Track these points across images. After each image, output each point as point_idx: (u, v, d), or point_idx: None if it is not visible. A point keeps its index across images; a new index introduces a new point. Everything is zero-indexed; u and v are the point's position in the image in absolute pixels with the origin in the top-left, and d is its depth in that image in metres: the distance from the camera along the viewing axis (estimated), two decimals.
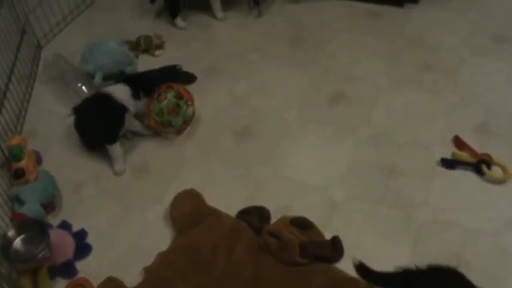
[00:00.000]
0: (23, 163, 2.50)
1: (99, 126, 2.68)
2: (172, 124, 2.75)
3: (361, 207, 2.45)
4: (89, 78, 3.03)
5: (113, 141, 2.68)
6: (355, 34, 3.35)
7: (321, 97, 2.96)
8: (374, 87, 2.99)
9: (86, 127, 2.73)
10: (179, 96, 2.75)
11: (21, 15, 3.27)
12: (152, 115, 2.74)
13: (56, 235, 2.31)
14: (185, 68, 3.13)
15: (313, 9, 3.55)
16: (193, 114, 2.83)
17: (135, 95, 2.73)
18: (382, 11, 3.48)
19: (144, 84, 2.78)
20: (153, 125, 2.77)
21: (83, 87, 2.99)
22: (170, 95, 2.74)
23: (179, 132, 2.82)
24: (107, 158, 2.73)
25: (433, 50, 3.18)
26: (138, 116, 2.83)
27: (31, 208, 2.38)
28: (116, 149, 2.69)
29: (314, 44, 3.29)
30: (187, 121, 2.81)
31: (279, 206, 2.45)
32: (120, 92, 2.71)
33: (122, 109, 2.69)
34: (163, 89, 2.76)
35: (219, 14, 3.50)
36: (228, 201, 2.47)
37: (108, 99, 2.68)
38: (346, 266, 2.21)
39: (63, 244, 2.33)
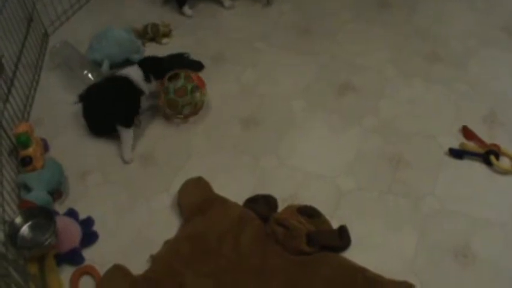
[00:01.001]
0: (30, 150, 2.50)
1: (118, 108, 2.69)
2: (178, 105, 2.76)
3: (368, 197, 2.44)
4: (95, 66, 3.03)
5: (130, 124, 2.69)
6: (363, 24, 3.34)
7: (328, 86, 2.95)
8: (382, 77, 2.98)
9: (101, 109, 2.72)
10: (188, 80, 2.76)
11: (29, 3, 3.25)
12: (162, 94, 2.77)
13: (62, 222, 2.31)
14: (192, 56, 3.12)
15: None
16: (203, 102, 2.83)
17: (147, 78, 2.75)
18: (390, 1, 3.47)
19: (154, 68, 2.79)
20: (162, 104, 2.79)
21: (89, 75, 2.99)
22: (181, 78, 2.76)
23: (186, 116, 2.82)
24: (114, 146, 2.73)
25: (441, 40, 3.17)
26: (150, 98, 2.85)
27: (38, 195, 2.38)
28: (129, 134, 2.70)
29: (322, 33, 3.28)
30: (195, 107, 2.81)
31: (286, 195, 2.45)
32: (135, 74, 2.74)
33: (139, 92, 2.73)
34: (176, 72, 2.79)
35: (227, 2, 3.50)
36: (235, 189, 2.47)
37: (126, 81, 2.71)
38: (353, 255, 2.21)
39: (69, 231, 2.32)
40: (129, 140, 2.70)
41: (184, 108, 2.78)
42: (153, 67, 2.78)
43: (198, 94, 2.79)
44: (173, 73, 2.80)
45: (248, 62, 3.14)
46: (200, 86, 2.79)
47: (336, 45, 3.20)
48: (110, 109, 2.68)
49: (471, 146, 2.58)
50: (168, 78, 2.78)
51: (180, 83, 2.76)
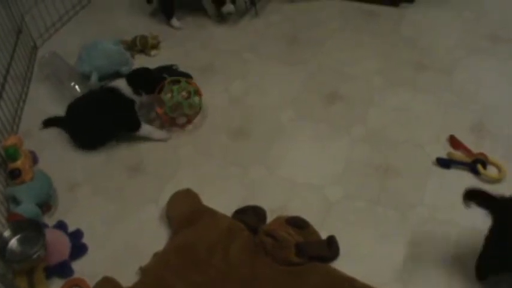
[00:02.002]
0: (18, 163, 2.49)
1: (119, 120, 2.74)
2: (183, 106, 2.78)
3: (356, 207, 2.45)
4: (84, 78, 3.03)
5: (138, 126, 2.76)
6: (351, 33, 3.36)
7: (316, 96, 2.96)
8: (369, 86, 3.00)
9: (99, 122, 2.74)
10: (190, 84, 2.83)
11: (17, 15, 3.26)
12: (159, 102, 2.81)
13: (51, 235, 2.30)
14: (181, 68, 3.13)
15: (309, 9, 3.56)
16: (201, 107, 2.87)
17: (136, 92, 2.76)
18: (377, 11, 3.49)
19: (143, 81, 2.79)
20: (160, 111, 2.80)
21: (76, 87, 3.00)
22: (182, 81, 2.81)
23: (189, 120, 2.85)
24: (102, 157, 2.75)
25: (428, 50, 3.19)
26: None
27: (27, 208, 2.38)
28: (146, 130, 2.78)
29: (309, 43, 3.30)
30: (195, 110, 2.84)
31: (275, 206, 2.45)
32: (124, 87, 2.75)
33: (132, 102, 2.75)
34: (168, 81, 2.82)
35: (214, 18, 3.53)
36: (224, 201, 2.47)
37: (117, 91, 2.73)
38: (341, 265, 2.21)
39: (59, 244, 2.32)
40: (152, 132, 2.80)
41: (188, 109, 2.80)
42: (142, 81, 2.78)
43: (198, 98, 2.83)
44: (174, 79, 2.83)
45: (237, 73, 3.15)
46: (199, 91, 2.82)
47: (323, 55, 3.21)
48: (113, 120, 2.73)
49: (458, 155, 2.59)
50: (170, 82, 2.81)
51: (183, 86, 2.79)
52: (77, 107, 2.79)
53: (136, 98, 2.76)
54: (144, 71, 2.87)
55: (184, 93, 2.80)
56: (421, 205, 2.43)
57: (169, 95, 2.78)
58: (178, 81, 2.81)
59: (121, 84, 2.75)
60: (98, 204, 2.55)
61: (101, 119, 2.73)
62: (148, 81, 2.80)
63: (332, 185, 2.54)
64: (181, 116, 2.83)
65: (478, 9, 3.45)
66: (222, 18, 3.49)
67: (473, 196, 2.10)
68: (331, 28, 3.40)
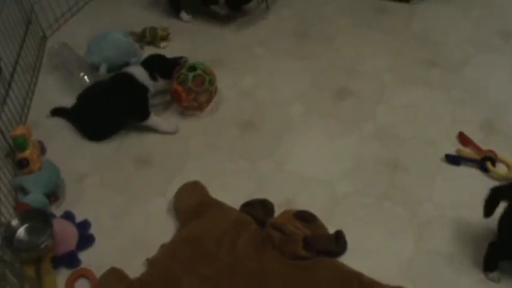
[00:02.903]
0: (27, 153, 2.50)
1: (130, 105, 2.75)
2: (204, 79, 2.81)
3: (365, 202, 2.44)
4: (93, 69, 3.04)
5: (147, 115, 2.76)
6: (361, 29, 3.35)
7: (326, 92, 2.95)
8: (379, 82, 2.99)
9: (108, 111, 2.75)
10: (206, 72, 2.84)
11: (27, 6, 3.26)
12: (174, 81, 2.83)
13: (59, 225, 2.30)
14: (190, 60, 3.11)
15: (320, 4, 3.55)
16: (216, 90, 2.90)
17: (152, 77, 2.78)
18: (388, 7, 3.48)
19: (159, 66, 2.82)
20: (180, 90, 2.79)
21: (85, 77, 3.00)
22: (199, 68, 2.83)
23: (200, 105, 2.86)
24: (111, 148, 2.75)
25: (439, 46, 3.18)
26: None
27: (35, 198, 2.38)
28: (154, 121, 2.78)
29: (320, 39, 3.29)
30: (209, 95, 2.86)
31: (283, 200, 2.45)
32: (140, 73, 2.76)
33: (144, 88, 2.76)
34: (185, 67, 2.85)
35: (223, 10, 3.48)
36: (232, 194, 2.47)
37: (129, 78, 2.74)
38: (349, 260, 2.20)
39: (66, 234, 2.32)
40: (160, 124, 2.80)
41: (209, 85, 2.83)
42: (158, 64, 2.82)
43: (214, 87, 2.86)
44: (190, 64, 2.84)
45: (247, 67, 3.15)
46: (213, 80, 2.87)
47: (334, 50, 3.21)
48: (123, 105, 2.73)
49: (467, 152, 2.59)
50: (187, 68, 2.82)
51: (198, 72, 2.81)
52: (87, 95, 2.81)
53: (150, 85, 2.77)
54: (158, 57, 2.90)
55: (198, 81, 2.82)
56: (430, 202, 2.43)
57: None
58: (195, 68, 2.82)
59: (135, 70, 2.78)
60: (106, 195, 2.55)
61: (111, 105, 2.73)
62: (164, 65, 2.83)
63: (340, 180, 2.53)
64: (203, 93, 2.83)
65: (489, 6, 3.44)
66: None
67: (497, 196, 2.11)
68: (342, 24, 3.40)
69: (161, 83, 2.82)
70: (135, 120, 2.78)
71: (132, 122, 2.79)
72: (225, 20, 3.44)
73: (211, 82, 2.84)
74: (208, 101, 2.88)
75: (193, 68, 2.83)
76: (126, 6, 3.65)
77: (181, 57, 3.12)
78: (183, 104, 2.82)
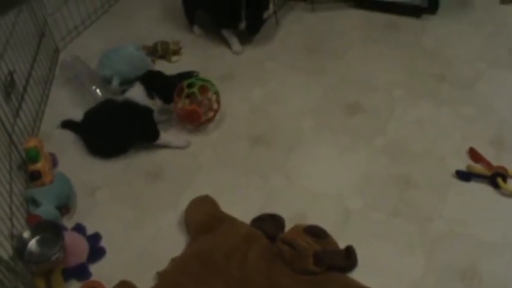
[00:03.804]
0: (39, 165, 2.52)
1: (137, 129, 2.76)
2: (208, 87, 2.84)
3: (375, 218, 2.44)
4: (105, 82, 3.06)
5: (157, 136, 2.77)
6: (372, 44, 3.35)
7: (336, 106, 2.96)
8: (390, 97, 2.99)
9: (119, 133, 2.76)
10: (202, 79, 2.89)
11: (40, 19, 3.29)
12: (176, 101, 2.83)
13: (70, 237, 2.32)
14: (202, 74, 3.14)
15: (330, 19, 3.56)
16: (216, 108, 2.89)
17: (149, 95, 2.76)
18: (399, 22, 3.48)
19: (156, 84, 2.80)
20: (196, 110, 2.80)
21: (97, 90, 3.01)
22: (196, 82, 2.84)
23: (216, 111, 2.88)
24: (122, 162, 2.76)
25: (450, 62, 3.18)
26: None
27: (46, 210, 2.40)
28: (166, 140, 2.80)
29: (331, 54, 3.30)
30: (218, 95, 2.88)
31: (294, 214, 2.45)
32: (138, 95, 2.75)
33: (149, 110, 2.75)
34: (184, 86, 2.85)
35: (236, 46, 3.39)
36: (242, 208, 2.47)
37: (133, 103, 2.73)
38: (359, 276, 2.20)
39: (77, 247, 2.33)
40: (171, 140, 2.81)
41: (212, 102, 2.85)
42: (153, 83, 2.79)
43: (215, 86, 2.89)
44: (188, 83, 2.84)
45: (257, 81, 3.16)
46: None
47: (344, 65, 3.21)
48: (129, 132, 2.75)
49: (478, 168, 2.58)
50: (187, 85, 2.82)
51: (199, 83, 2.83)
52: (92, 118, 2.82)
53: (151, 103, 2.76)
54: (157, 73, 2.90)
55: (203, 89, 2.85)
56: (441, 218, 2.42)
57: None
58: (193, 83, 2.83)
59: (135, 93, 2.76)
60: (117, 209, 2.57)
61: (117, 131, 2.75)
62: (162, 84, 2.82)
63: (351, 196, 2.53)
64: (212, 97, 2.86)
65: (500, 22, 3.43)
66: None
67: None
68: (352, 38, 3.40)
69: (159, 103, 2.81)
70: (145, 142, 2.80)
71: (142, 143, 2.80)
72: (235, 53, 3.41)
73: (212, 83, 2.87)
74: (219, 101, 2.88)
75: (191, 84, 2.83)
76: (138, 20, 3.68)
77: (192, 72, 3.14)
78: (201, 120, 2.84)
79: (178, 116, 2.87)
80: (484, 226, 2.38)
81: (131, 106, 2.73)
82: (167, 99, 2.82)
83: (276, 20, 3.51)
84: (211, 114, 2.86)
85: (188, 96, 2.81)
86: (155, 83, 2.79)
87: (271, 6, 3.28)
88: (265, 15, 3.27)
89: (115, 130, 2.74)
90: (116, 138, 2.77)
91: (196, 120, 2.83)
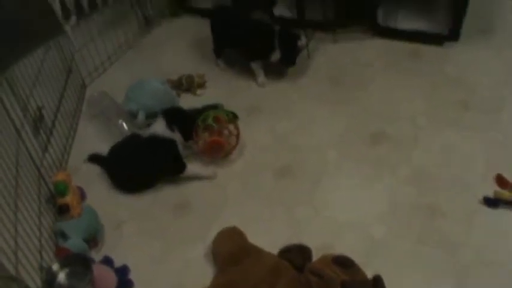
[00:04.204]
0: (67, 199, 2.55)
1: (164, 164, 2.80)
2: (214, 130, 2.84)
3: (402, 246, 2.43)
4: (131, 116, 3.10)
5: (183, 168, 2.80)
6: (394, 73, 3.36)
7: (361, 136, 2.97)
8: (414, 126, 2.99)
9: (146, 167, 2.80)
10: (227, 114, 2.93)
11: (68, 55, 3.36)
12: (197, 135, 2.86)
13: (98, 270, 2.33)
14: (226, 107, 3.16)
15: (353, 49, 3.58)
16: (237, 133, 2.91)
17: (170, 127, 2.79)
18: (421, 50, 3.49)
19: (177, 118, 2.84)
20: (219, 140, 2.83)
21: (124, 124, 3.06)
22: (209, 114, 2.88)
23: (237, 135, 2.91)
24: (148, 195, 2.79)
25: (473, 89, 3.17)
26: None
27: (75, 243, 2.42)
28: (192, 170, 2.82)
29: (354, 84, 3.32)
30: (235, 130, 2.90)
31: (320, 245, 2.44)
32: (161, 129, 2.79)
33: (173, 142, 2.78)
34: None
35: (261, 78, 3.41)
36: (269, 239, 2.47)
37: (157, 138, 2.77)
38: None
39: (105, 279, 2.34)
40: (198, 171, 2.85)
41: (232, 128, 2.89)
42: (175, 118, 2.83)
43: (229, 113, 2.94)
44: (202, 118, 2.87)
45: (282, 112, 3.18)
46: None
47: (367, 96, 3.22)
48: (156, 167, 2.79)
49: (506, 194, 2.56)
50: (201, 120, 2.86)
51: (211, 114, 2.87)
52: (118, 153, 2.88)
53: (175, 137, 2.79)
54: (178, 110, 2.95)
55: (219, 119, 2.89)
56: (468, 246, 2.40)
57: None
58: (206, 117, 2.87)
59: (158, 127, 2.80)
60: (144, 241, 2.59)
61: (143, 166, 2.78)
62: (182, 120, 2.85)
63: (377, 225, 2.53)
64: (230, 123, 2.90)
65: None
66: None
67: None
68: (375, 68, 3.41)
69: (178, 136, 2.83)
70: (173, 175, 2.83)
71: (169, 176, 2.83)
72: (260, 85, 3.43)
73: (226, 111, 2.93)
74: (237, 127, 2.91)
75: (205, 118, 2.87)
76: (163, 54, 3.73)
77: (217, 104, 3.17)
78: (225, 149, 2.86)
79: (202, 152, 2.89)
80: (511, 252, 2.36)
81: (156, 140, 2.77)
82: (186, 136, 2.84)
83: (307, 53, 3.48)
84: (233, 140, 2.89)
85: (206, 128, 2.84)
86: (176, 119, 2.83)
87: (303, 37, 3.28)
88: (299, 44, 3.26)
89: (141, 165, 2.78)
90: (142, 173, 2.81)
91: (220, 150, 2.85)
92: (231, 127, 2.90)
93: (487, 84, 3.20)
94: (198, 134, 2.84)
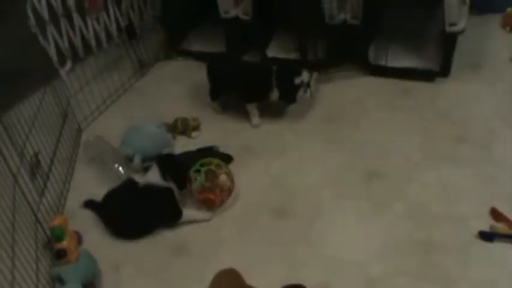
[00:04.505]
0: (64, 243, 2.54)
1: (160, 212, 2.80)
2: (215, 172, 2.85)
3: (401, 283, 2.43)
4: (127, 160, 3.12)
5: (180, 215, 2.80)
6: (387, 110, 3.39)
7: (355, 174, 2.98)
8: (408, 162, 3.01)
9: (142, 216, 2.80)
10: (206, 164, 2.89)
11: (63, 100, 3.38)
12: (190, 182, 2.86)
13: None
14: (221, 148, 3.19)
15: (345, 88, 3.61)
16: (230, 186, 2.89)
17: (164, 178, 2.79)
18: (412, 87, 3.53)
19: (171, 168, 2.83)
20: (211, 197, 2.83)
21: (120, 168, 3.08)
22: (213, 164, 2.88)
23: (230, 189, 2.89)
24: (145, 238, 2.79)
25: (466, 123, 3.20)
26: None
27: None
28: (188, 215, 2.82)
29: (347, 122, 3.34)
30: (229, 174, 2.90)
31: (318, 284, 2.44)
32: (155, 178, 2.79)
33: (170, 190, 2.79)
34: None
35: (255, 119, 3.43)
36: (267, 280, 2.47)
37: (153, 187, 2.78)
38: None
39: None
40: (194, 215, 2.83)
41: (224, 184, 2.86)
42: (170, 167, 2.83)
43: (223, 167, 2.90)
44: (206, 160, 2.89)
45: (276, 152, 3.19)
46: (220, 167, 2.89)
47: (361, 132, 3.25)
48: (153, 216, 2.80)
49: (501, 227, 2.57)
50: (200, 164, 2.87)
51: (203, 169, 2.86)
52: (113, 202, 2.88)
53: (167, 184, 2.80)
54: (170, 159, 2.96)
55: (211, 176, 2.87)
56: (466, 280, 2.40)
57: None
58: (198, 170, 2.87)
59: (153, 177, 2.81)
60: (142, 284, 2.58)
61: (139, 215, 2.79)
62: (175, 170, 2.84)
63: (375, 262, 2.53)
64: (224, 180, 2.87)
65: (511, 82, 3.47)
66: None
67: None
68: (368, 106, 3.45)
69: (173, 186, 2.82)
70: (169, 223, 2.83)
71: (166, 224, 2.83)
72: (254, 126, 3.44)
73: (218, 166, 2.89)
74: (232, 179, 2.91)
75: (197, 170, 2.87)
76: (158, 98, 3.76)
77: (212, 146, 3.21)
78: (217, 205, 2.87)
79: (196, 201, 2.90)
80: (509, 286, 2.36)
81: (152, 189, 2.78)
82: (180, 186, 2.84)
83: (310, 94, 3.40)
84: (225, 195, 2.88)
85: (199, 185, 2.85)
86: (170, 169, 2.82)
87: (304, 73, 3.29)
88: (297, 81, 3.26)
89: (137, 214, 2.78)
90: (138, 221, 2.80)
91: (212, 206, 2.86)
92: (223, 178, 2.87)
93: (479, 117, 3.23)
94: (191, 185, 2.85)
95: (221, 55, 3.70)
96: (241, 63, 3.59)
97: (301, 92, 3.31)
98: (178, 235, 2.78)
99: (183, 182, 2.84)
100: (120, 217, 2.82)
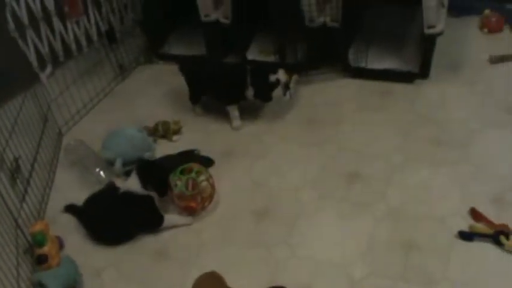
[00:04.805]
0: (45, 249, 2.53)
1: (141, 219, 2.79)
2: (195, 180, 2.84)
3: (382, 284, 2.44)
4: (108, 164, 3.11)
5: (161, 222, 2.79)
6: (368, 112, 3.42)
7: (336, 176, 3.00)
8: (388, 163, 3.03)
9: (122, 223, 2.78)
10: (199, 175, 2.87)
11: (44, 104, 3.37)
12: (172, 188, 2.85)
13: None
14: (203, 152, 3.20)
15: (326, 90, 3.64)
16: (210, 192, 2.88)
17: (144, 186, 2.77)
18: (392, 88, 3.55)
19: (151, 176, 2.81)
20: (192, 206, 2.84)
21: (101, 172, 3.08)
22: (193, 171, 2.86)
23: (211, 196, 2.88)
24: (127, 243, 2.79)
25: (445, 124, 3.23)
26: None
27: None
28: (170, 220, 2.81)
29: (328, 124, 3.36)
30: (210, 179, 2.88)
31: (300, 286, 2.45)
32: (135, 187, 2.78)
33: (150, 198, 2.77)
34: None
35: (236, 122, 3.44)
36: (249, 282, 2.48)
37: (132, 195, 2.77)
38: None
39: None
40: (176, 220, 2.83)
41: (204, 192, 2.86)
42: (151, 176, 2.81)
43: (204, 174, 2.89)
44: (186, 166, 2.88)
45: (257, 155, 3.20)
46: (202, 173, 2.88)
47: (341, 135, 3.27)
48: (133, 223, 2.79)
49: (480, 227, 2.59)
50: (181, 171, 2.86)
51: (183, 178, 2.84)
52: (94, 207, 2.87)
53: (147, 192, 2.79)
54: (150, 166, 2.92)
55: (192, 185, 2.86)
56: (446, 280, 2.42)
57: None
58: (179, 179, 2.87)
59: (133, 185, 2.79)
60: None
61: (119, 221, 2.78)
62: (155, 178, 2.82)
63: (356, 263, 2.54)
64: (204, 188, 2.87)
65: (490, 82, 3.50)
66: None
67: None
68: (348, 108, 3.47)
69: (154, 194, 2.81)
70: (151, 229, 2.82)
71: (148, 230, 2.83)
72: (234, 128, 3.46)
73: (198, 173, 2.87)
74: (213, 184, 2.90)
75: (178, 178, 2.87)
76: (139, 101, 3.76)
77: (193, 150, 3.21)
78: (197, 211, 2.87)
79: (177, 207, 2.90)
80: (490, 285, 2.38)
81: (132, 196, 2.77)
82: (161, 193, 2.82)
83: (289, 93, 3.40)
84: (206, 201, 2.88)
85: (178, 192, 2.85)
86: (149, 177, 2.80)
87: (280, 71, 3.30)
88: (272, 78, 3.27)
89: (118, 220, 2.77)
90: (119, 228, 2.79)
91: (193, 213, 2.86)
92: (204, 184, 2.87)
93: (458, 118, 3.26)
94: (172, 191, 2.85)
95: (194, 58, 3.72)
96: (216, 64, 3.60)
97: (279, 92, 3.32)
98: (159, 239, 2.78)
99: (163, 189, 2.83)
100: (101, 222, 2.81)
